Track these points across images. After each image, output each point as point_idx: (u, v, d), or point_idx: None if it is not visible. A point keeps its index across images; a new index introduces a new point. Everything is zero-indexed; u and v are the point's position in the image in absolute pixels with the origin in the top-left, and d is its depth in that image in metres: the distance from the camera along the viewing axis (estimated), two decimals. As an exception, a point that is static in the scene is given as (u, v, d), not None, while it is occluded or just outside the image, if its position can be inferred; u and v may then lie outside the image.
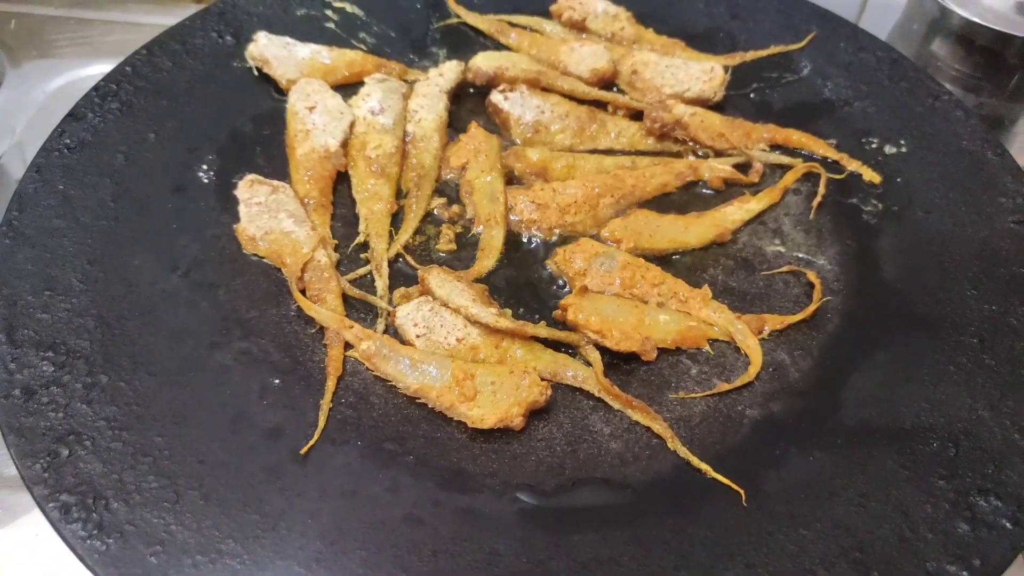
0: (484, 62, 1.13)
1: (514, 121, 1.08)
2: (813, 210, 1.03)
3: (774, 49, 1.21)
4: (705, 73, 1.14)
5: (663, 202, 1.04)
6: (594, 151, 1.09)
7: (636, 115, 1.12)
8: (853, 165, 1.07)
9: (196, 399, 0.80)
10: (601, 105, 1.13)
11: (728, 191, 1.06)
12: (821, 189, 1.04)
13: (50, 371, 0.79)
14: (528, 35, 1.20)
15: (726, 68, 1.14)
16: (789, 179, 1.05)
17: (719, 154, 1.09)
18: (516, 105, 1.09)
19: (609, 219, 1.00)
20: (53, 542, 0.70)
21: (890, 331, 0.91)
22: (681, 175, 1.05)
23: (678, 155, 1.09)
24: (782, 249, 1.00)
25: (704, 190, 1.06)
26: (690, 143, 1.09)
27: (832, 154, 1.08)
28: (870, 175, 1.06)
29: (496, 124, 1.11)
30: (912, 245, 0.99)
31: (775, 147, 1.09)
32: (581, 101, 1.13)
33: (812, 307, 0.92)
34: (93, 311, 0.84)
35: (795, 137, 1.10)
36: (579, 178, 1.03)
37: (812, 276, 0.95)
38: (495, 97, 1.10)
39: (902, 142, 1.09)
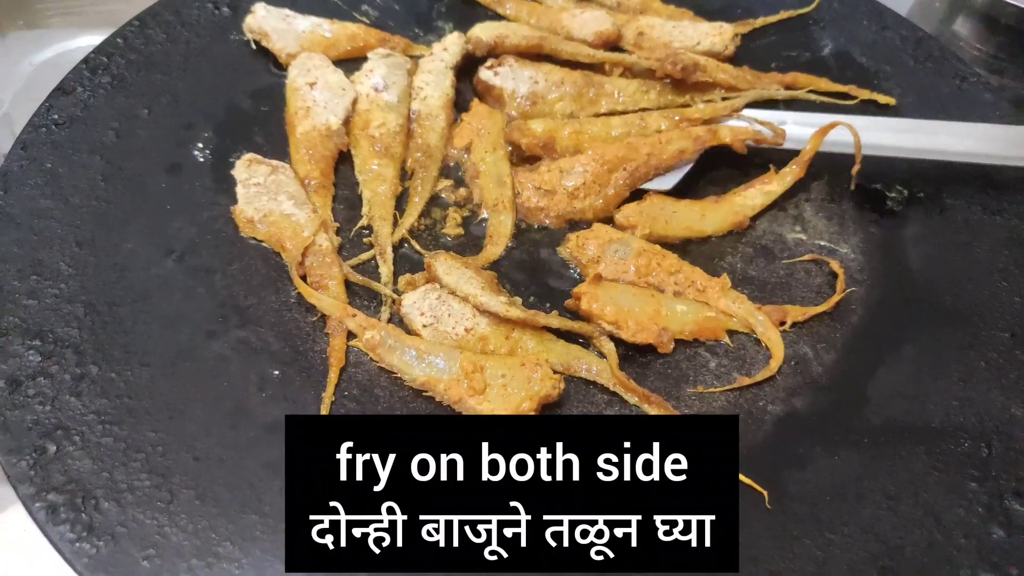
0: (483, 32, 1.08)
1: (508, 96, 1.03)
2: (853, 179, 0.98)
3: (784, 14, 1.18)
4: (714, 29, 1.12)
5: (678, 186, 0.99)
6: (598, 115, 1.05)
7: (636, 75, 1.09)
8: (863, 94, 1.07)
9: (192, 391, 0.76)
10: (595, 68, 1.09)
11: (747, 171, 1.00)
12: (858, 158, 0.97)
13: (37, 361, 0.75)
14: (527, 4, 1.16)
15: (736, 35, 1.13)
16: (811, 148, 0.97)
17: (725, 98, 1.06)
18: (508, 79, 1.04)
19: (620, 201, 0.96)
20: (42, 539, 0.67)
21: (917, 324, 0.88)
22: (700, 139, 0.99)
23: (685, 106, 1.05)
24: (803, 237, 0.96)
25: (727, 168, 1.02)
26: (695, 96, 1.06)
27: (839, 88, 1.08)
28: (885, 99, 1.07)
29: (489, 103, 1.05)
30: (939, 234, 0.96)
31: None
32: (575, 66, 1.08)
33: (835, 298, 0.89)
34: (83, 297, 0.80)
35: (802, 79, 1.09)
36: (589, 152, 0.97)
37: (835, 265, 0.91)
38: (484, 74, 1.05)
39: (928, 125, 1.05)
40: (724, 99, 1.05)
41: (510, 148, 1.00)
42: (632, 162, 0.96)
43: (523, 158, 1.00)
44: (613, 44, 1.12)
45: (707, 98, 1.06)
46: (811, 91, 1.08)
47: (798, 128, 1.01)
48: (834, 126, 0.98)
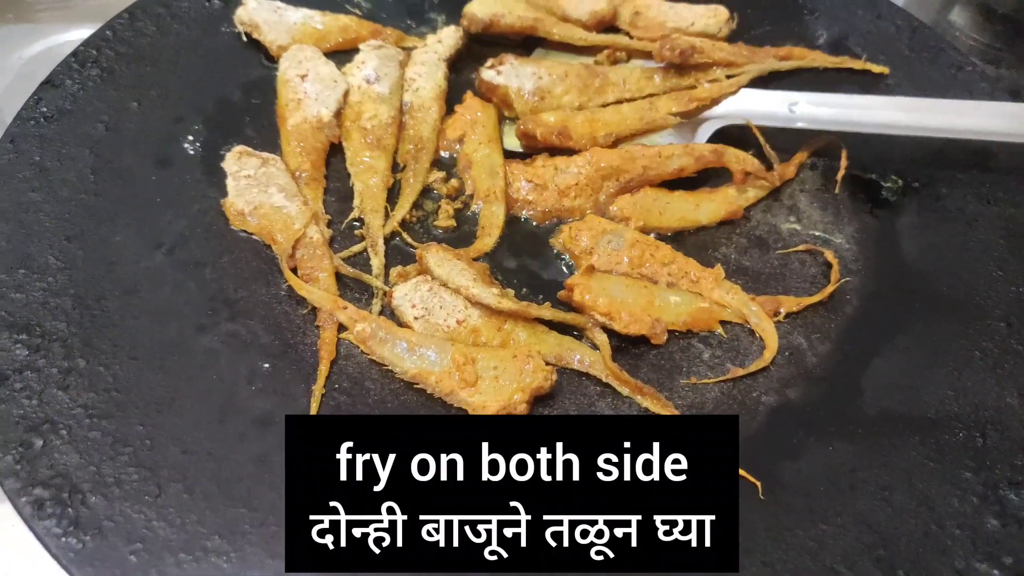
0: (479, 8, 1.08)
1: (514, 94, 1.01)
2: (838, 184, 0.98)
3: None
4: (709, 11, 1.12)
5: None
6: (606, 105, 1.03)
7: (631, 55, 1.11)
8: (857, 65, 1.09)
9: (180, 385, 0.76)
10: (591, 52, 1.10)
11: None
12: (843, 162, 0.98)
13: (24, 355, 0.75)
14: None
15: (731, 18, 1.13)
16: (803, 154, 1.00)
17: (730, 76, 1.06)
18: (511, 77, 1.02)
19: (609, 205, 0.95)
20: (30, 534, 0.66)
21: (912, 314, 0.87)
22: (703, 159, 0.96)
23: (691, 87, 1.04)
24: (798, 227, 0.95)
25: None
26: (699, 77, 1.06)
27: (833, 61, 1.09)
28: (879, 69, 1.09)
29: (495, 104, 1.03)
30: (934, 223, 0.95)
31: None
32: (576, 50, 1.09)
33: (830, 288, 0.88)
34: (71, 291, 0.80)
35: (796, 53, 1.11)
36: (586, 153, 0.96)
37: (830, 255, 0.91)
38: (486, 74, 1.02)
39: (923, 114, 1.04)
40: (729, 76, 1.05)
41: (525, 142, 0.99)
42: (627, 174, 0.95)
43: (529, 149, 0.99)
44: (608, 24, 1.12)
45: (710, 78, 1.06)
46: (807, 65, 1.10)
47: (810, 107, 1.02)
48: (824, 141, 1.01)
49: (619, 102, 1.04)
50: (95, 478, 0.68)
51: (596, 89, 1.03)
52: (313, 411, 0.76)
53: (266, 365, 0.78)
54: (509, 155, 0.98)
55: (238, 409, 0.75)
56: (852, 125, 1.00)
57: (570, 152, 0.97)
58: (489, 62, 1.04)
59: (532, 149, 0.99)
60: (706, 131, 1.01)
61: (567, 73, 1.03)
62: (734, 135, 1.00)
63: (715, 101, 1.01)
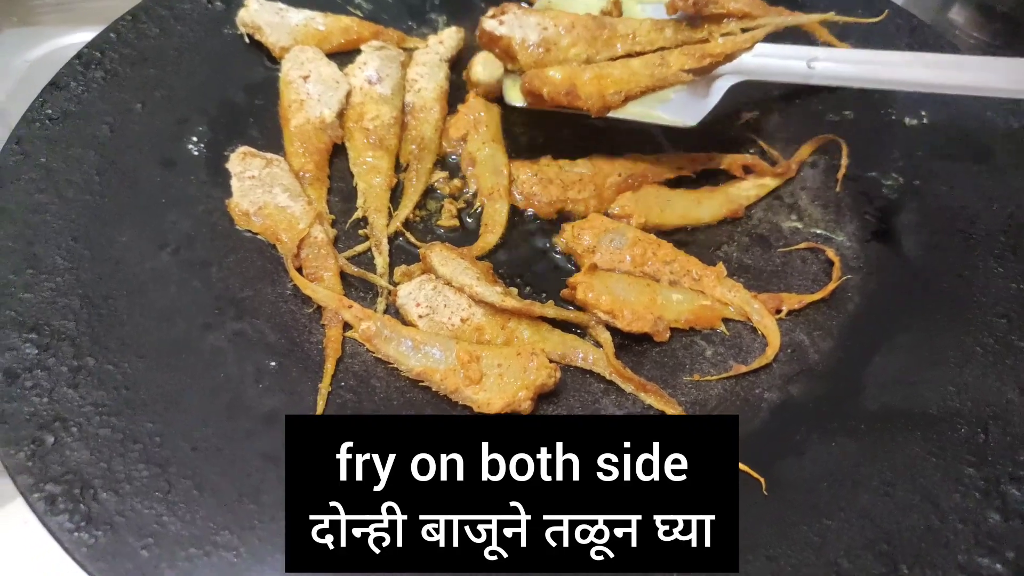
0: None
1: (518, 45, 0.94)
2: (839, 182, 0.98)
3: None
4: None
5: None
6: (615, 59, 0.95)
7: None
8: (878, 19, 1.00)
9: (188, 383, 0.76)
10: None
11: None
12: (844, 160, 0.99)
13: (34, 354, 0.75)
14: None
15: None
16: (804, 153, 1.01)
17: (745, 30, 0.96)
18: (515, 27, 0.95)
19: (612, 200, 0.96)
20: (42, 530, 0.67)
21: (913, 311, 0.87)
22: (697, 160, 0.99)
23: (703, 41, 0.94)
24: (799, 225, 0.96)
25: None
26: (712, 30, 0.95)
27: (853, 20, 0.97)
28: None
29: (497, 56, 0.98)
30: (934, 220, 0.95)
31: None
32: None
33: (831, 285, 0.89)
34: (79, 290, 0.80)
35: (804, 20, 0.98)
36: (588, 159, 0.97)
37: (831, 253, 0.91)
38: (488, 24, 0.95)
39: (923, 113, 1.05)
40: (744, 30, 0.95)
41: (530, 100, 0.94)
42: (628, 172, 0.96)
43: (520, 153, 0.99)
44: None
45: (724, 31, 0.95)
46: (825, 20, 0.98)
47: (830, 64, 0.99)
48: (827, 139, 1.01)
49: (628, 55, 0.96)
50: (106, 474, 0.68)
51: (604, 41, 0.96)
52: (319, 409, 0.76)
53: (273, 363, 0.79)
54: (511, 155, 0.99)
55: (246, 406, 0.75)
56: (873, 82, 0.97)
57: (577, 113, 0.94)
58: (491, 12, 0.97)
59: (537, 107, 0.95)
60: (720, 88, 0.98)
61: (574, 24, 0.96)
62: (749, 92, 0.99)
63: (729, 57, 0.93)
